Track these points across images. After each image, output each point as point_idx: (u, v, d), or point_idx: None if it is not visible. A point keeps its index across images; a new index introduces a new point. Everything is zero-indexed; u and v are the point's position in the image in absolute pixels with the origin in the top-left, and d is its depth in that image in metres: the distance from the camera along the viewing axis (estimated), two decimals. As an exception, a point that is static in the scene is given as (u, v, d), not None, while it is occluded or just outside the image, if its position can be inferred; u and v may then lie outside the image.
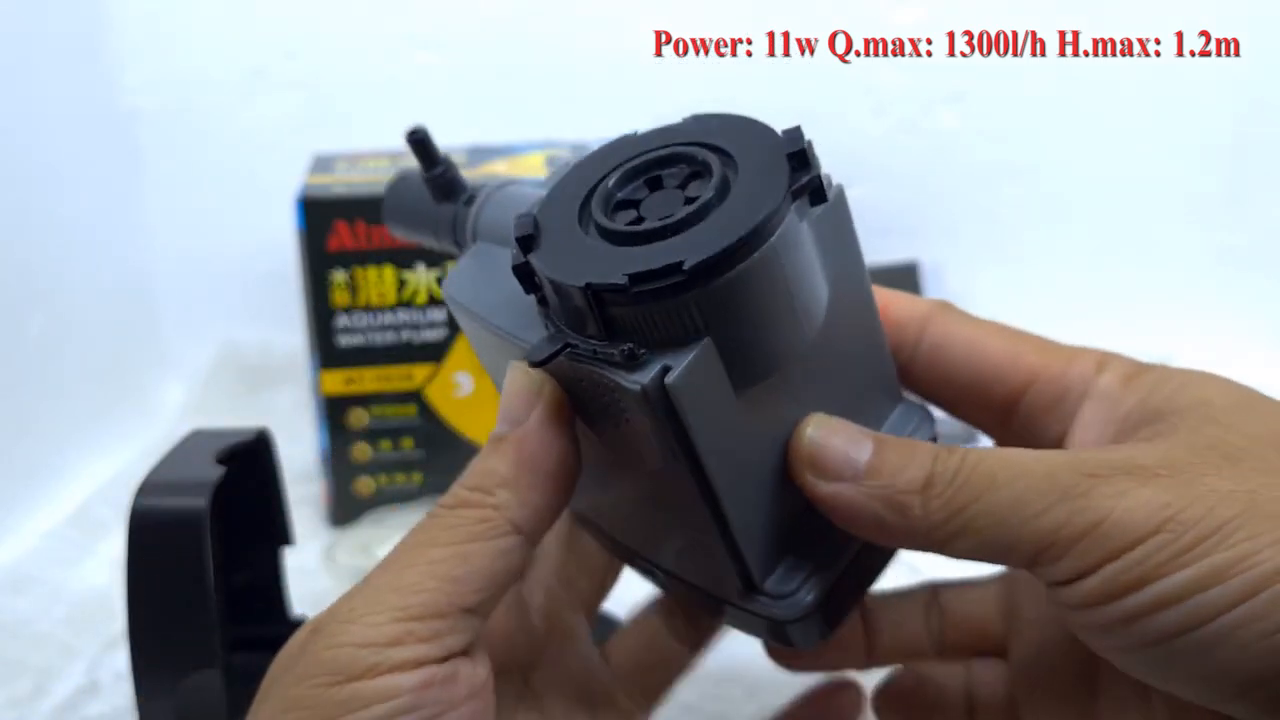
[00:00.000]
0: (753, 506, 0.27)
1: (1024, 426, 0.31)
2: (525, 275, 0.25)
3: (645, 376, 0.23)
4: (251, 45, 0.77)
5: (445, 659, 0.24)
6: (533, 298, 0.26)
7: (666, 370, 0.24)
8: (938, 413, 0.33)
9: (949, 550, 0.25)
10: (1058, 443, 0.30)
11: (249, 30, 0.76)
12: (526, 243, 0.25)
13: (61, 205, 0.67)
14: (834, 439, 0.26)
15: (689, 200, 0.25)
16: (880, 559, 0.31)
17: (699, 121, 0.27)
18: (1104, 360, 0.30)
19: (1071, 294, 0.81)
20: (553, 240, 0.25)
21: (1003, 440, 0.32)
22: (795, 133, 0.25)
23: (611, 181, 0.26)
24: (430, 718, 0.24)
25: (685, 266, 0.23)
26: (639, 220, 0.25)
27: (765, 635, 0.30)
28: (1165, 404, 0.27)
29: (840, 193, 0.27)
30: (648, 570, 0.33)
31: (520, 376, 0.26)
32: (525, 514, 0.26)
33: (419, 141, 0.32)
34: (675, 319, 0.23)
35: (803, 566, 0.29)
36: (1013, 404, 0.31)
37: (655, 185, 0.26)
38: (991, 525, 0.24)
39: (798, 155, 0.24)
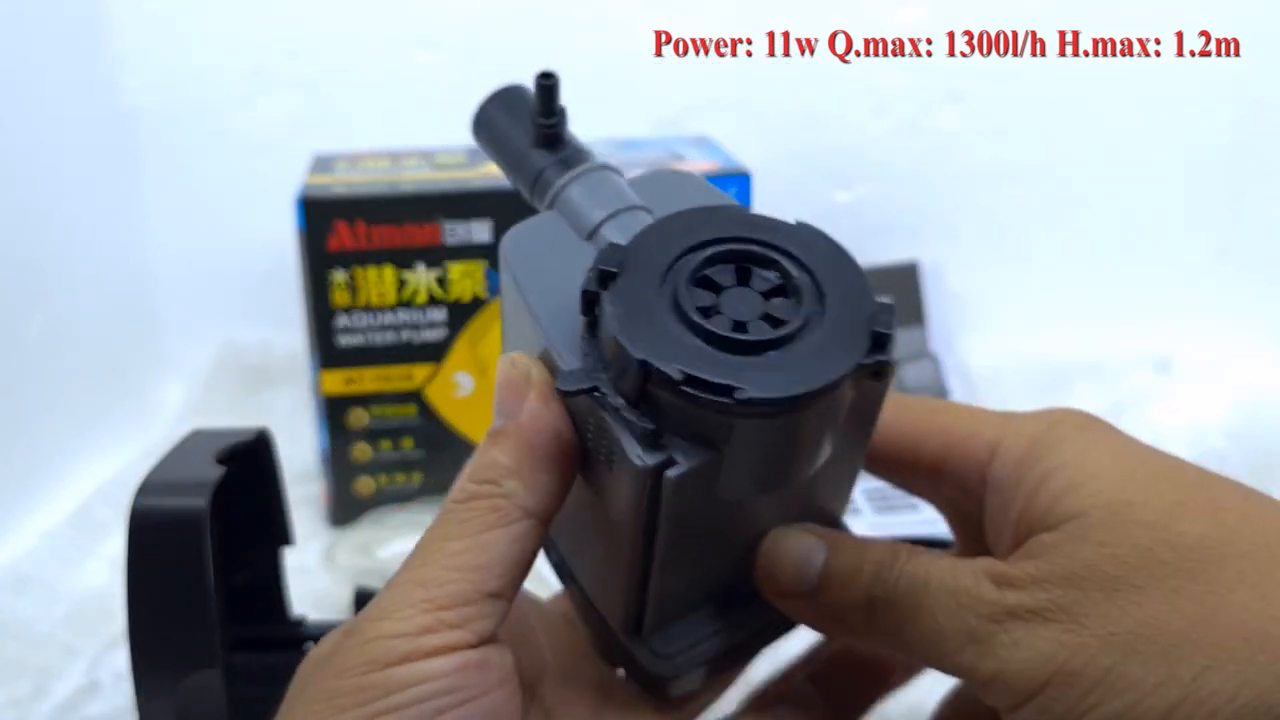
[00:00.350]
0: (676, 578, 0.28)
1: (951, 493, 0.33)
2: (590, 303, 0.25)
3: (652, 459, 0.24)
4: (252, 45, 0.77)
5: (478, 644, 0.25)
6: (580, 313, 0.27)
7: (672, 463, 0.24)
8: None
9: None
10: (981, 514, 0.32)
11: (249, 30, 0.76)
12: (605, 278, 0.25)
13: (62, 205, 0.67)
14: (788, 557, 0.29)
15: (769, 319, 0.25)
16: (779, 632, 0.32)
17: (807, 232, 0.27)
18: (997, 440, 0.30)
19: (1071, 293, 0.81)
20: (629, 288, 0.25)
21: (935, 501, 0.35)
22: (887, 314, 0.25)
23: (706, 254, 0.26)
24: (466, 700, 0.25)
25: (737, 396, 0.23)
26: (713, 311, 0.25)
27: (639, 679, 0.32)
28: (1047, 514, 0.27)
29: (891, 375, 0.27)
30: (567, 580, 0.33)
31: (509, 369, 0.27)
32: (534, 498, 0.26)
33: (548, 87, 0.31)
34: (704, 426, 0.24)
35: (692, 634, 0.30)
36: (936, 475, 0.32)
37: (743, 277, 0.26)
38: (922, 650, 0.27)
39: (881, 338, 0.25)
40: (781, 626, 0.32)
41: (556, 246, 0.29)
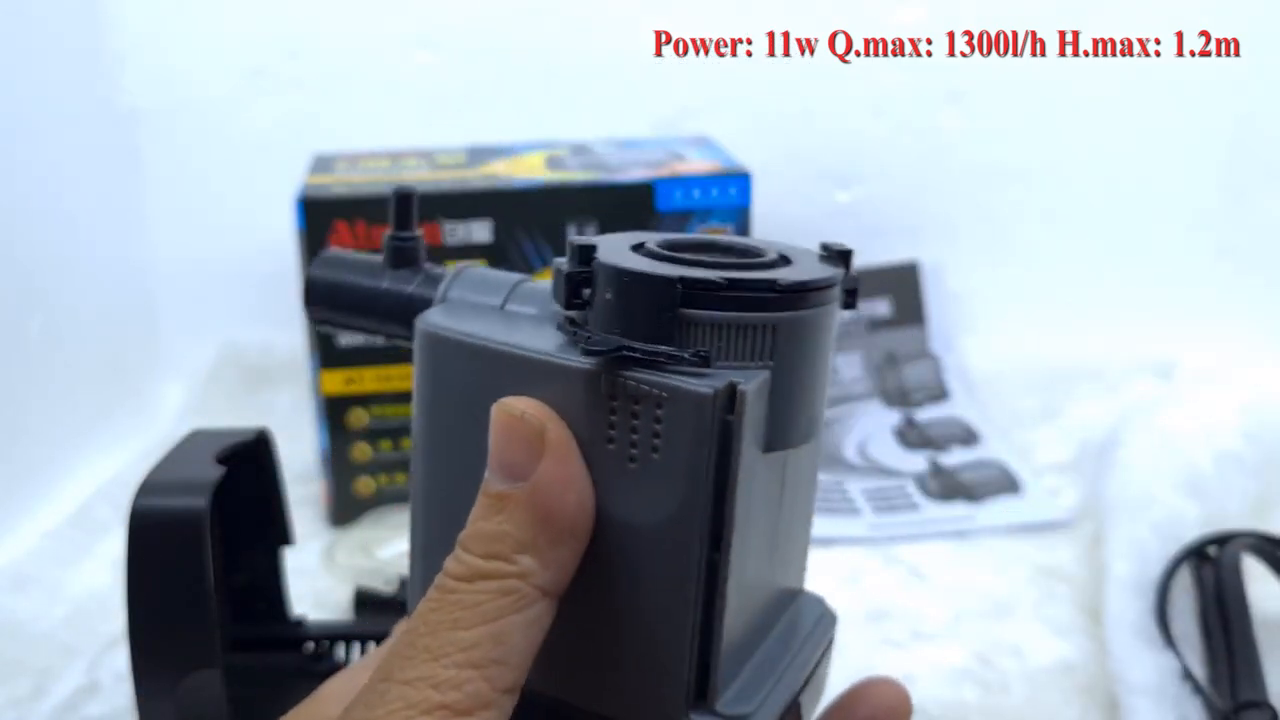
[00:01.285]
0: (742, 589, 0.25)
1: None
2: (577, 285, 0.24)
3: (718, 382, 0.23)
4: (252, 45, 0.77)
5: None
6: (549, 328, 0.26)
7: (735, 384, 0.23)
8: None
9: None
10: None
11: (249, 30, 0.76)
12: (587, 251, 0.24)
13: (62, 205, 0.67)
14: None
15: (748, 254, 0.26)
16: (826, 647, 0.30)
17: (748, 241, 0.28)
18: None
19: (1071, 293, 0.81)
20: (612, 252, 0.25)
21: None
22: (846, 252, 0.26)
23: (653, 243, 0.26)
24: None
25: (780, 282, 0.23)
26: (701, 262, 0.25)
27: None
28: None
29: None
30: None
31: (513, 421, 0.24)
32: (552, 576, 0.24)
33: (406, 199, 0.30)
34: (749, 339, 0.23)
35: (762, 677, 0.27)
36: None
37: (707, 249, 0.26)
38: None
39: (844, 254, 0.26)
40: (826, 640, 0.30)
41: (480, 315, 0.28)
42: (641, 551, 0.24)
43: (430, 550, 0.28)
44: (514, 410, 0.24)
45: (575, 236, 0.26)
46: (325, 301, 0.31)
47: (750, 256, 0.26)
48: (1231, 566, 0.49)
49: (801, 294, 0.24)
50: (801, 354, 0.24)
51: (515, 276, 0.29)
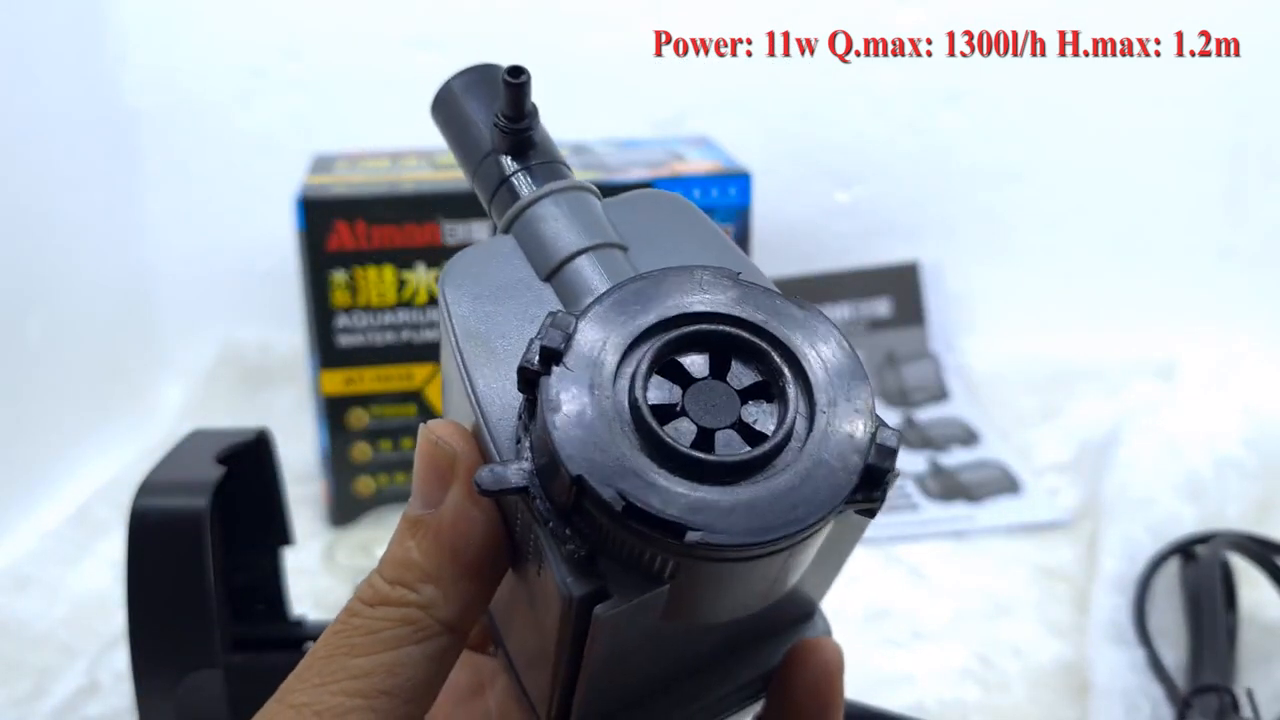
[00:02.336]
0: (605, 698, 0.25)
1: None
2: (528, 384, 0.21)
3: (580, 589, 0.20)
4: (252, 45, 0.77)
5: None
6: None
7: (604, 595, 0.20)
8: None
9: None
10: None
11: (250, 30, 0.76)
12: (547, 357, 0.20)
13: (62, 205, 0.67)
14: None
15: (742, 429, 0.20)
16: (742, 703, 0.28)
17: (813, 318, 0.22)
18: None
19: (1072, 293, 0.81)
20: (576, 375, 0.20)
21: None
22: (889, 439, 0.20)
23: (675, 335, 0.21)
24: None
25: (687, 539, 0.19)
26: (676, 413, 0.20)
27: None
28: None
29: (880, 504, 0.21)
30: (497, 641, 0.29)
31: (431, 448, 0.23)
32: (455, 609, 0.22)
33: (518, 85, 0.27)
34: (646, 560, 0.20)
35: None
36: None
37: (719, 368, 0.21)
38: None
39: (875, 475, 0.20)
40: (748, 696, 0.27)
41: (507, 288, 0.24)
42: (541, 624, 0.23)
43: None
44: (432, 435, 0.23)
45: (560, 315, 0.21)
46: (444, 121, 0.30)
47: (771, 381, 0.21)
48: (1209, 562, 0.49)
49: (722, 550, 0.19)
50: (719, 584, 0.21)
51: (600, 232, 0.25)
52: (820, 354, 0.21)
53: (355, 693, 0.21)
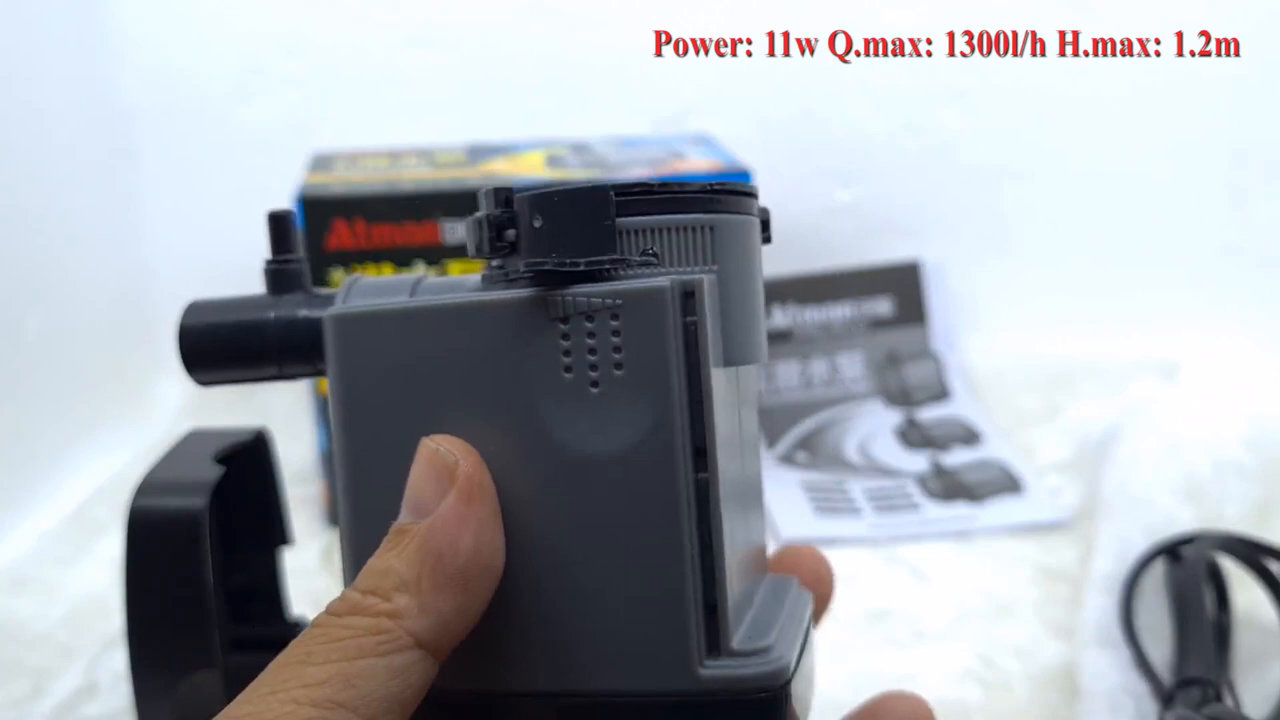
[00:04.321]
0: (733, 516, 0.23)
1: None
2: (501, 225, 0.23)
3: (677, 275, 0.22)
4: (250, 43, 0.77)
5: None
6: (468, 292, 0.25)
7: (693, 281, 0.22)
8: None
9: None
10: None
11: (248, 28, 0.76)
12: (503, 192, 0.23)
13: (59, 204, 0.66)
14: None
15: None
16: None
17: None
18: None
19: (1073, 292, 0.81)
20: (528, 193, 0.23)
21: None
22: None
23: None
24: None
25: (712, 184, 0.23)
26: None
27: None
28: None
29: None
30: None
31: (430, 455, 0.22)
32: (429, 624, 0.21)
33: (282, 219, 0.28)
34: (690, 240, 0.23)
35: (766, 615, 0.24)
36: None
37: None
38: None
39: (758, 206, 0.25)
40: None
41: (387, 303, 0.26)
42: (619, 488, 0.22)
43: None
44: (432, 443, 0.23)
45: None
46: (209, 354, 0.29)
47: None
48: (1194, 560, 0.49)
49: (735, 195, 0.24)
50: (740, 258, 0.24)
51: (413, 276, 0.27)
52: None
53: (306, 701, 0.19)
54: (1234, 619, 0.49)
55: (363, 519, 0.24)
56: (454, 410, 0.23)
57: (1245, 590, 0.50)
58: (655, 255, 0.22)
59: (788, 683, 0.22)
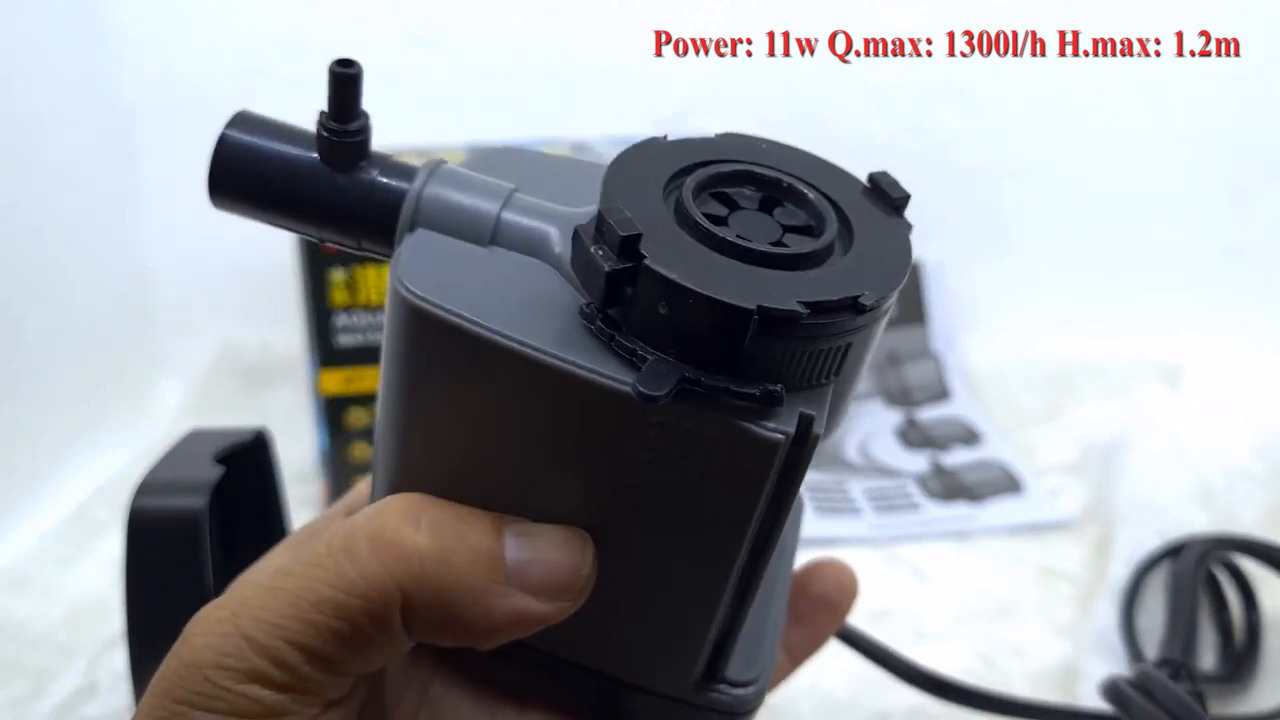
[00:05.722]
0: (762, 583, 0.25)
1: None
2: (621, 281, 0.20)
3: (788, 425, 0.20)
4: (251, 43, 0.76)
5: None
6: (563, 301, 0.22)
7: (810, 420, 0.20)
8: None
9: None
10: None
11: (249, 28, 0.76)
12: (631, 244, 0.20)
13: (59, 203, 0.66)
14: None
15: (799, 229, 0.22)
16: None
17: (739, 140, 0.24)
18: None
19: (1074, 293, 0.81)
20: (660, 243, 0.20)
21: None
22: (887, 178, 0.24)
23: (691, 187, 0.22)
24: None
25: (864, 301, 0.20)
26: (750, 238, 0.21)
27: None
28: None
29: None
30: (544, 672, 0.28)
31: (576, 564, 0.23)
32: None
33: (350, 78, 0.22)
34: (822, 362, 0.21)
35: (758, 639, 0.28)
36: None
37: (728, 203, 0.23)
38: None
39: (900, 205, 0.24)
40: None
41: (465, 266, 0.23)
42: (681, 546, 0.23)
43: None
44: (580, 542, 0.24)
45: (611, 208, 0.21)
46: (242, 186, 0.24)
47: (805, 214, 0.23)
48: (1186, 558, 0.50)
49: (880, 302, 0.21)
50: (864, 356, 0.22)
51: (507, 187, 0.24)
52: (840, 189, 0.24)
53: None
54: (1263, 620, 0.50)
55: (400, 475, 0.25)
56: (528, 441, 0.22)
57: (1271, 594, 0.51)
58: (779, 395, 0.20)
59: (757, 707, 0.27)
